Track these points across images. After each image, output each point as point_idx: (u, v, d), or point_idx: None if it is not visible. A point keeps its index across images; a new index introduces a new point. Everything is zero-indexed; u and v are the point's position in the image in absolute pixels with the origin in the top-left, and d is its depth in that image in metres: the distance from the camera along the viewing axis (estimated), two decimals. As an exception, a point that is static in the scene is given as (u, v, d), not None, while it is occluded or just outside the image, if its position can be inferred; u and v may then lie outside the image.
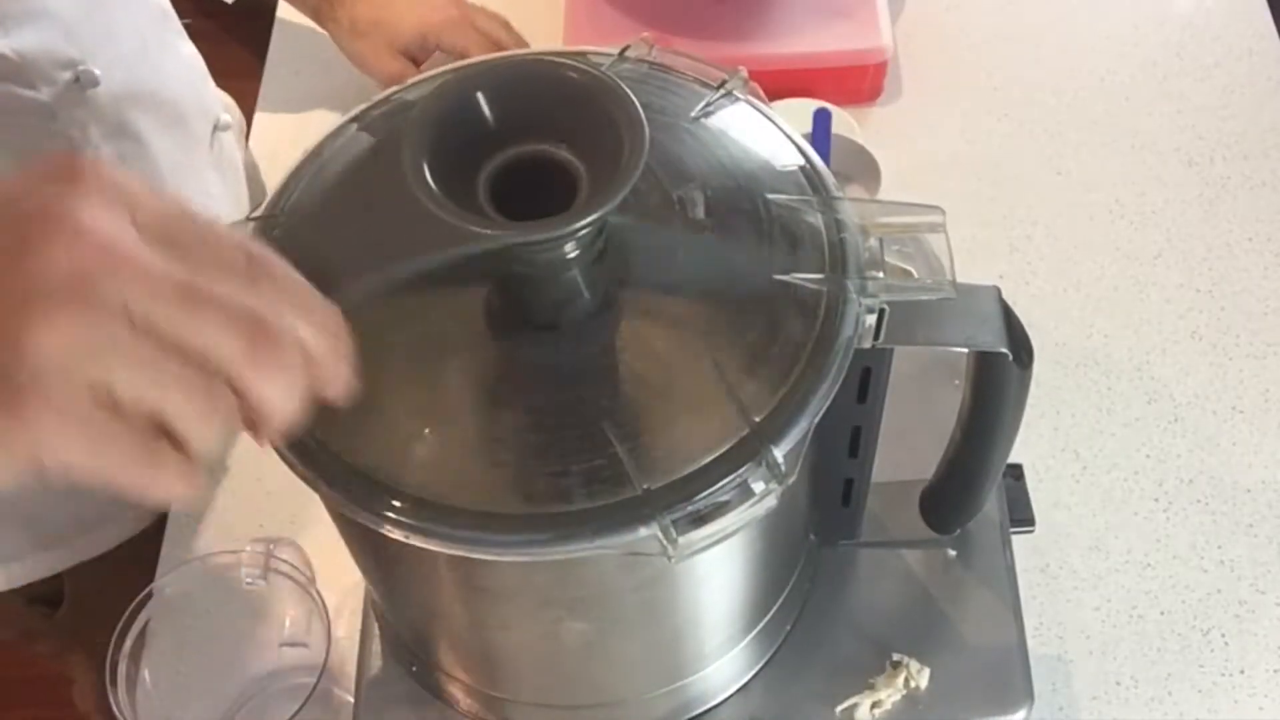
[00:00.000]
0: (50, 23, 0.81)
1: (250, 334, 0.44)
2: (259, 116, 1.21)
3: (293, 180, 0.60)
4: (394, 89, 0.64)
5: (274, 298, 0.45)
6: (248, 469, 0.98)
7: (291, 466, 0.55)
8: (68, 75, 0.83)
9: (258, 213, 0.59)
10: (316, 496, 0.61)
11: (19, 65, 0.80)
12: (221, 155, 1.07)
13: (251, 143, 1.19)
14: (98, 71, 0.85)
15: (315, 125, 1.16)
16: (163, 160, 0.94)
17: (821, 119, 1.09)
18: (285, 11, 1.30)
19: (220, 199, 1.05)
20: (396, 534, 0.53)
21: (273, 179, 1.10)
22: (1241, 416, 1.00)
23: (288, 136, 1.19)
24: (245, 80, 1.24)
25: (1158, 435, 1.00)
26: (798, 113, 1.11)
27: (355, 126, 0.62)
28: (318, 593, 0.88)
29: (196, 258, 0.44)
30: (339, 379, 0.47)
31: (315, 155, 0.61)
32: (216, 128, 1.05)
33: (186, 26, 1.02)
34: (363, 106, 0.63)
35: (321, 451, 0.54)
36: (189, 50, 1.03)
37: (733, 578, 0.66)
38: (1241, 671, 0.89)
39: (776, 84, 1.14)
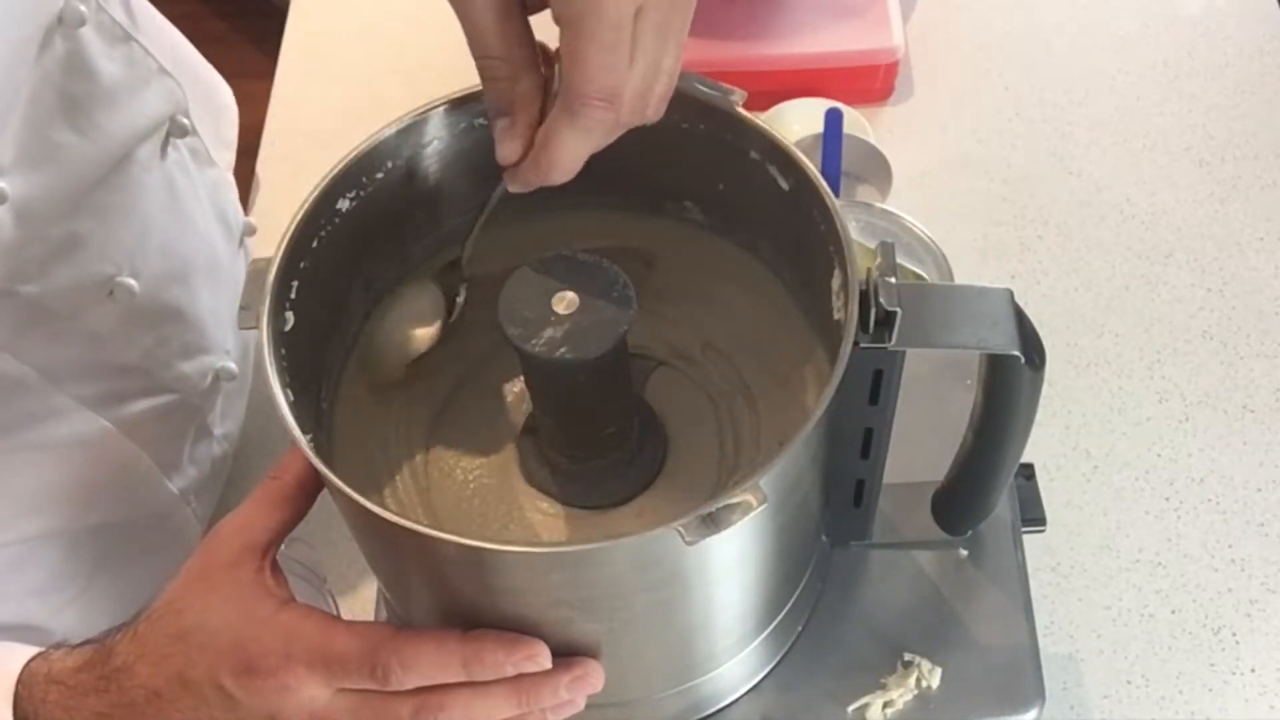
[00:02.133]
0: (80, 250, 0.73)
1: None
2: (271, 118, 1.21)
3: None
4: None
5: (491, 668, 0.59)
6: (259, 467, 0.99)
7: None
8: (102, 293, 0.76)
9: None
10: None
11: (53, 309, 0.72)
12: (247, 262, 0.97)
13: (263, 145, 1.19)
14: (132, 282, 0.77)
15: (328, 127, 1.18)
16: (206, 317, 0.87)
17: (833, 119, 1.09)
18: (297, 12, 1.31)
19: None
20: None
21: (285, 180, 1.11)
22: (1252, 416, 1.00)
23: (301, 137, 1.20)
24: (257, 81, 1.24)
25: (1169, 434, 1.00)
26: (809, 113, 1.12)
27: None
28: (329, 592, 0.88)
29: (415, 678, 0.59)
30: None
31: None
32: (243, 239, 0.97)
33: (196, 31, 0.94)
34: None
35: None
36: (212, 173, 0.92)
37: (744, 578, 0.66)
38: (1252, 670, 0.89)
39: (788, 84, 1.14)
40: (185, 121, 0.84)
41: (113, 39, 0.74)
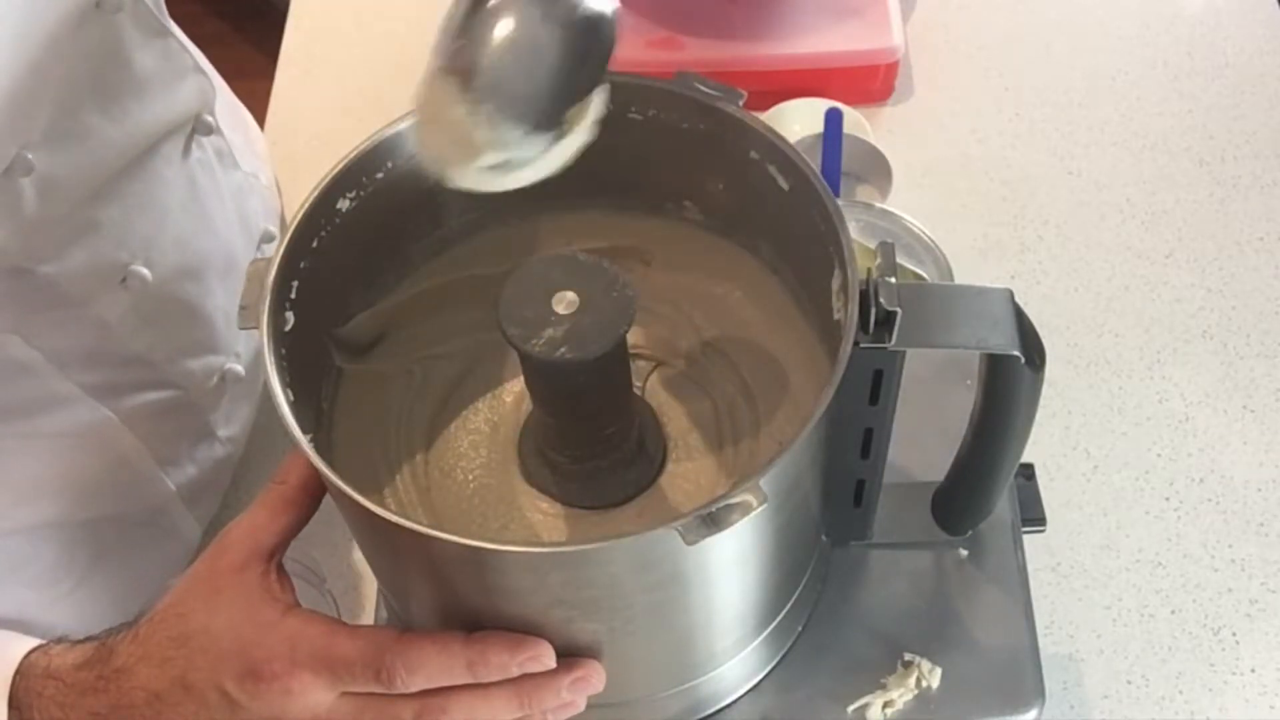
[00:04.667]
0: (98, 235, 0.74)
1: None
2: (271, 118, 1.21)
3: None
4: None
5: (497, 669, 0.60)
6: (259, 468, 0.98)
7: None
8: (115, 280, 0.76)
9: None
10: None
11: (66, 293, 0.72)
12: None
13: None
14: (146, 272, 0.77)
15: (328, 126, 1.18)
16: (217, 317, 0.86)
17: (833, 119, 1.09)
18: (297, 12, 1.31)
19: None
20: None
21: (287, 178, 1.11)
22: (1252, 416, 1.00)
23: (301, 137, 1.20)
24: (257, 80, 1.24)
25: (1168, 434, 1.00)
26: (809, 113, 1.12)
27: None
28: (329, 593, 0.88)
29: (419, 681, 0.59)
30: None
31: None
32: (261, 242, 0.96)
33: (196, 31, 0.91)
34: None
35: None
36: (237, 176, 0.93)
37: (744, 578, 0.66)
38: (1252, 670, 0.89)
39: (788, 84, 1.14)
40: (211, 120, 0.84)
41: (149, 31, 0.75)
